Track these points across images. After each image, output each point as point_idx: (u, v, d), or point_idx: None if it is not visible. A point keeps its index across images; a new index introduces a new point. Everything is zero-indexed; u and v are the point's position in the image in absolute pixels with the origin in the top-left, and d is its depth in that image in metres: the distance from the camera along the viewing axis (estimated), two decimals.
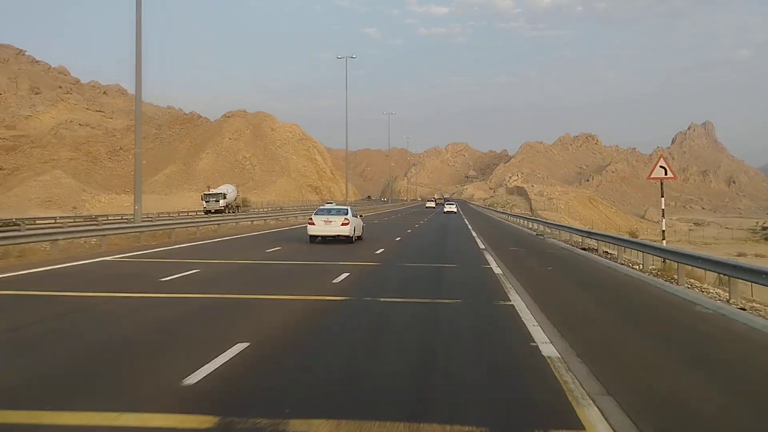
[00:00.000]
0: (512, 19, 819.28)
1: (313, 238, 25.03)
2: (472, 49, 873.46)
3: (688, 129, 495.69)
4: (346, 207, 27.75)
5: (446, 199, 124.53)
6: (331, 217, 24.94)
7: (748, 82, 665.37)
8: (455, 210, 78.74)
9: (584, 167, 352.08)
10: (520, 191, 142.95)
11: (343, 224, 24.60)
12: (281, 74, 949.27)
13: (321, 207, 27.42)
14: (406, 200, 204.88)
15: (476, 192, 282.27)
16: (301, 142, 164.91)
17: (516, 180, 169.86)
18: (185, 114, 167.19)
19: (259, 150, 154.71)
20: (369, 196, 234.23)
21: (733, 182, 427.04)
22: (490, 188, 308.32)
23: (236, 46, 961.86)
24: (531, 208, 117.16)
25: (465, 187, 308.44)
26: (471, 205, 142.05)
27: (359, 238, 26.56)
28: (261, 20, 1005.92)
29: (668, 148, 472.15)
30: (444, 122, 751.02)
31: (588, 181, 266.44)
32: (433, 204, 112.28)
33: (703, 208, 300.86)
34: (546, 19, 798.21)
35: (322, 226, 24.79)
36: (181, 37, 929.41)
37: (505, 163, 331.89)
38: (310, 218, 25.48)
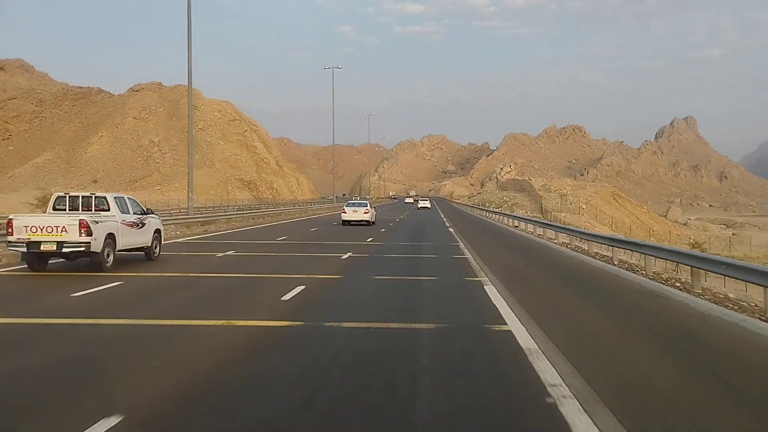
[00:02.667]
0: (487, 17, 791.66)
1: (346, 222, 36.82)
2: (448, 47, 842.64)
3: (671, 124, 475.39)
4: (366, 201, 45.66)
5: (420, 198, 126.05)
6: (357, 209, 38.31)
7: (721, 78, 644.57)
8: (429, 206, 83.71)
9: (574, 161, 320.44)
10: (520, 186, 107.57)
11: (365, 212, 37.89)
12: (253, 71, 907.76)
13: (349, 201, 44.95)
14: (371, 197, 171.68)
15: (456, 188, 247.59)
16: (234, 124, 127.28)
17: (509, 172, 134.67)
18: (79, 88, 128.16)
19: (174, 133, 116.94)
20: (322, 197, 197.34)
21: (725, 177, 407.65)
22: (472, 184, 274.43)
23: (207, 45, 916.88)
24: (542, 209, 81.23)
25: (443, 183, 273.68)
26: (454, 204, 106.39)
27: (373, 222, 38.68)
28: (234, 19, 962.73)
29: (657, 141, 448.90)
30: (419, 115, 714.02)
31: (582, 175, 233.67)
32: (412, 200, 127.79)
33: (710, 206, 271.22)
34: (521, 17, 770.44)
35: (351, 215, 37.45)
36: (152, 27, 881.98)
37: (488, 156, 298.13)
38: (344, 209, 38.32)
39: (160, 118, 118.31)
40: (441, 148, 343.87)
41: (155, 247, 16.09)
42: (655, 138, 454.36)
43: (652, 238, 78.05)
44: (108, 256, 13.57)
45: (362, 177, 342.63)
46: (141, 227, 15.22)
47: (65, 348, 7.02)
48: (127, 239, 14.60)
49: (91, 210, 14.55)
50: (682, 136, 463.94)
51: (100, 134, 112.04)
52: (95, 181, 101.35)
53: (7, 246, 13.51)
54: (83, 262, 13.51)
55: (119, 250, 14.21)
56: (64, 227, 12.84)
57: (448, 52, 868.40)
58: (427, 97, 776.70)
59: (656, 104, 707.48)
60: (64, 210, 14.64)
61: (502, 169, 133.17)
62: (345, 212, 37.60)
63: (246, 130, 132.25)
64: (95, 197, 14.87)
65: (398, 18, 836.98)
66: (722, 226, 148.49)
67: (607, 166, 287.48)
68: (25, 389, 5.51)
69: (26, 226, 12.91)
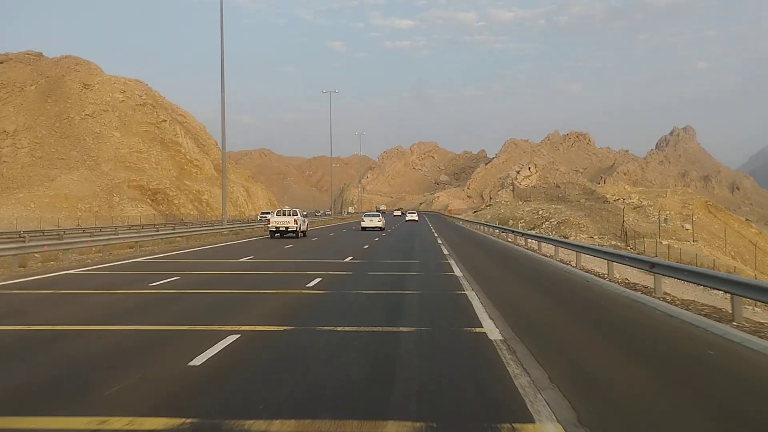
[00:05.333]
0: (476, 32, 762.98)
1: (364, 229, 46.63)
2: (437, 62, 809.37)
3: (671, 133, 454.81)
4: (378, 213, 60.75)
5: (408, 211, 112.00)
6: (373, 218, 49.44)
7: (710, 90, 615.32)
8: (416, 218, 79.87)
9: (582, 169, 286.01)
10: (557, 194, 71.48)
11: (378, 221, 48.53)
12: (243, 89, 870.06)
13: (366, 213, 59.07)
14: (342, 213, 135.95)
15: (452, 201, 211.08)
16: (143, 111, 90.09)
17: (528, 177, 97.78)
18: None
19: (45, 120, 79.75)
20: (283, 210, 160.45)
21: (737, 188, 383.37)
22: (469, 196, 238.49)
23: (199, 60, 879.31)
24: (624, 233, 44.29)
25: (436, 195, 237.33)
26: (457, 222, 69.69)
27: (383, 228, 48.02)
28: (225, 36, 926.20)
29: (662, 150, 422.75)
30: (409, 123, 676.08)
31: (599, 183, 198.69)
32: (399, 213, 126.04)
33: (747, 219, 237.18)
34: (510, 32, 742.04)
35: (368, 223, 47.90)
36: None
37: (486, 164, 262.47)
38: (362, 219, 50.23)
39: (27, 99, 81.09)
40: (433, 157, 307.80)
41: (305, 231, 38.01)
42: (656, 147, 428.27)
43: None
44: (303, 233, 36.44)
45: (344, 190, 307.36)
46: (303, 221, 37.38)
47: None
48: (302, 227, 36.53)
49: (290, 214, 36.85)
50: (687, 146, 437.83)
51: None
52: None
53: (266, 228, 38.31)
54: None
55: (301, 231, 36.06)
56: (288, 222, 35.31)
57: (436, 67, 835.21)
58: (417, 109, 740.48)
59: (652, 115, 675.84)
60: (283, 214, 37.06)
61: (518, 173, 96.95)
62: (363, 221, 49.44)
63: (165, 121, 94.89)
64: (291, 210, 37.91)
65: (387, 33, 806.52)
66: None
67: (624, 174, 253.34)
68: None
69: (274, 221, 35.86)
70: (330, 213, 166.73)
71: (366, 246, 28.50)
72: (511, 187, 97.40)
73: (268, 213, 63.29)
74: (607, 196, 70.14)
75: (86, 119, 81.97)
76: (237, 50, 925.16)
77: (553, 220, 55.68)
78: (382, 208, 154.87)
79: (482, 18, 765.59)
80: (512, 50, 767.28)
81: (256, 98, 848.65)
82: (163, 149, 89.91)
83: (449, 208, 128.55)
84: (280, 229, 35.18)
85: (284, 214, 36.78)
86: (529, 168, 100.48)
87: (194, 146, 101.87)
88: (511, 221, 64.85)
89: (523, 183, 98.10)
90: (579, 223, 52.61)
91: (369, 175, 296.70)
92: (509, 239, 34.58)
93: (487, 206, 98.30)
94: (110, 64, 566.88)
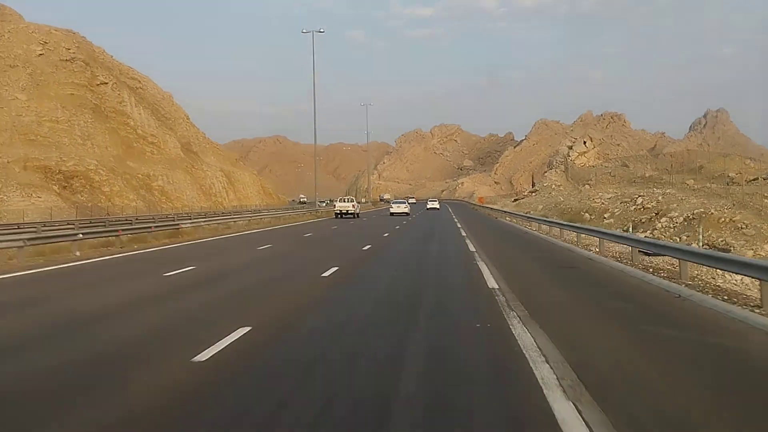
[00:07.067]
0: (499, 18, 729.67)
1: (393, 214, 53.50)
2: (458, 51, 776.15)
3: (704, 116, 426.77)
4: (404, 200, 72.06)
5: (429, 199, 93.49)
6: (400, 205, 57.64)
7: (740, 73, 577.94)
8: (438, 206, 77.16)
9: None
10: (628, 176, 48.85)
11: (405, 207, 56.56)
12: (262, 77, 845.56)
13: (394, 200, 73.87)
14: (354, 200, 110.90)
15: (478, 187, 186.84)
16: (67, 67, 67.25)
17: (585, 153, 73.62)
18: None
19: None
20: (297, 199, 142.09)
21: None
22: (496, 182, 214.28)
23: (218, 52, 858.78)
24: None
25: (460, 181, 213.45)
26: (503, 220, 45.79)
27: (409, 213, 55.20)
28: (242, 26, 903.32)
29: (700, 132, 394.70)
30: (430, 108, 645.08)
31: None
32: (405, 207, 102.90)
33: None
34: (531, 18, 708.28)
35: (396, 209, 55.49)
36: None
37: (515, 147, 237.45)
38: (390, 205, 59.95)
39: None
40: (455, 141, 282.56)
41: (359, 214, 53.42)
42: (690, 130, 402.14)
43: None
44: (358, 215, 51.97)
45: (359, 177, 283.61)
46: (357, 206, 54.14)
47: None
48: (357, 211, 52.59)
49: (348, 201, 54.41)
50: (726, 128, 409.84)
51: None
52: None
53: (334, 213, 52.55)
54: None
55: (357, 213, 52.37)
56: (348, 206, 51.74)
57: (457, 55, 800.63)
58: (439, 95, 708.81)
59: (683, 98, 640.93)
60: (345, 201, 54.12)
61: (571, 149, 72.23)
62: (392, 207, 56.92)
63: (106, 84, 72.15)
64: (349, 197, 58.94)
65: (407, 21, 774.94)
66: None
67: (671, 157, 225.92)
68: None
69: (338, 206, 52.27)
70: (304, 199, 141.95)
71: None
72: (562, 167, 72.99)
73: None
74: (731, 174, 45.92)
75: None
76: (254, 40, 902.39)
77: (673, 214, 31.70)
78: (386, 197, 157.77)
79: (503, 4, 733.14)
80: (535, 37, 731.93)
81: (272, 87, 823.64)
82: (97, 120, 67.16)
83: (479, 195, 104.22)
84: (342, 211, 51.56)
85: (345, 201, 54.74)
86: (585, 143, 76.12)
87: (151, 119, 79.08)
88: (586, 214, 41.03)
89: (579, 160, 73.77)
90: (734, 221, 28.69)
91: (385, 161, 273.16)
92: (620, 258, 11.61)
93: (530, 193, 74.34)
94: (41, 12, 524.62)
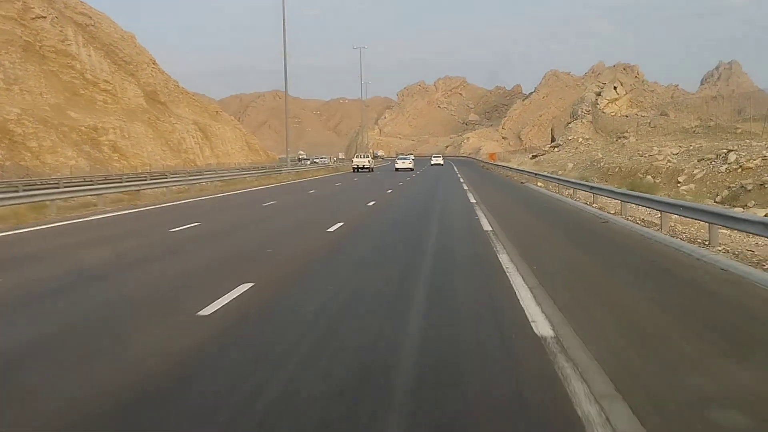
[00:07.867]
0: None
1: (398, 169, 57.84)
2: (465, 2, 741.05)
3: (716, 68, 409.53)
4: (409, 156, 71.50)
5: (433, 155, 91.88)
6: (405, 160, 61.73)
7: (752, 25, 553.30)
8: (441, 162, 77.42)
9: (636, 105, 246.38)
10: (670, 126, 38.31)
11: (410, 162, 60.95)
12: (265, 31, 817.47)
13: (399, 156, 76.31)
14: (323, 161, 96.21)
15: (484, 143, 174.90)
16: None
17: (616, 100, 61.58)
18: None
19: None
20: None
21: None
22: (504, 137, 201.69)
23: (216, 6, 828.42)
24: None
25: (466, 136, 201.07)
26: (531, 185, 33.77)
27: (413, 169, 58.98)
28: None
29: (714, 85, 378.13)
30: (434, 61, 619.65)
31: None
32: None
33: None
34: None
35: (401, 164, 59.81)
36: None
37: (524, 100, 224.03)
38: (396, 161, 63.67)
39: None
40: (460, 94, 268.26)
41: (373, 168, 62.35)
42: (702, 83, 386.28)
43: None
44: (372, 169, 60.51)
45: (359, 133, 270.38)
46: (372, 162, 65.28)
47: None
48: (371, 165, 62.60)
49: (364, 157, 63.36)
50: (740, 80, 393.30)
51: None
52: None
53: (352, 167, 60.73)
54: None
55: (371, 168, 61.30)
56: (364, 162, 60.49)
57: (465, 6, 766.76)
58: (445, 50, 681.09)
59: (694, 50, 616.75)
60: (361, 157, 63.16)
61: (599, 95, 60.25)
62: (397, 163, 61.49)
63: (44, 18, 60.09)
64: (365, 154, 67.92)
65: None
66: None
67: (687, 109, 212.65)
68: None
69: (356, 162, 61.33)
70: (304, 155, 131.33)
71: None
72: (589, 116, 61.00)
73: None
74: None
75: None
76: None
77: None
78: (380, 153, 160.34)
79: None
80: None
81: (274, 42, 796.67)
82: (29, 60, 55.21)
83: (490, 151, 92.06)
84: (359, 166, 59.55)
85: (361, 157, 63.15)
86: (615, 88, 63.99)
87: (104, 62, 66.94)
88: (648, 177, 29.57)
89: (608, 110, 61.74)
90: None
91: (386, 116, 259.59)
92: None
93: (552, 148, 62.58)
94: None
